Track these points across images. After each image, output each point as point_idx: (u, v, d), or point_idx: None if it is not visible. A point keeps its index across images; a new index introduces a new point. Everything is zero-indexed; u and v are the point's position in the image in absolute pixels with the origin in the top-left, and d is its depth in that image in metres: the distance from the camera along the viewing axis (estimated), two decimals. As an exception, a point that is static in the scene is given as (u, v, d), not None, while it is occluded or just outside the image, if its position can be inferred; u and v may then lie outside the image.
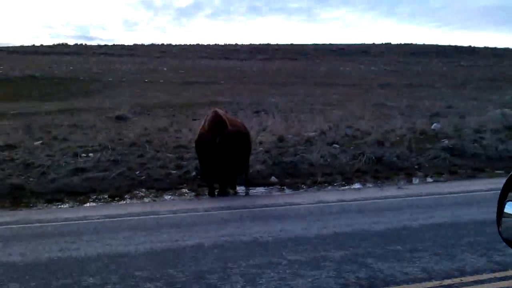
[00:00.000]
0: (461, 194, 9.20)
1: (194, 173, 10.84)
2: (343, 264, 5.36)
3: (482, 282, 4.77)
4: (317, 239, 6.36)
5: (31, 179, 10.38)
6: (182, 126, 15.99)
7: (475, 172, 11.71)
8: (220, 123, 9.53)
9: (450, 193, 9.40)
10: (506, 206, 1.56)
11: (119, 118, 18.38)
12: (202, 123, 9.91)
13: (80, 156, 11.97)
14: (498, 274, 4.90)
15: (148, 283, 4.92)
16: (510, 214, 1.54)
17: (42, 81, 31.45)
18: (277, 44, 68.33)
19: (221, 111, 10.10)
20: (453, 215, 7.47)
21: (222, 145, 9.21)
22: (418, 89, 31.20)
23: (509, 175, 1.63)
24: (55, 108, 21.10)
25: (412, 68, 45.37)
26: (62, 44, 65.66)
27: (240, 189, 10.36)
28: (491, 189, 9.41)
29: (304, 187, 10.63)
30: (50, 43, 66.23)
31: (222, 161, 9.32)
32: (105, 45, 65.29)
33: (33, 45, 63.02)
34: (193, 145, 10.41)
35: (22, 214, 8.43)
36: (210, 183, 9.89)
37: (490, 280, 4.76)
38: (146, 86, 30.54)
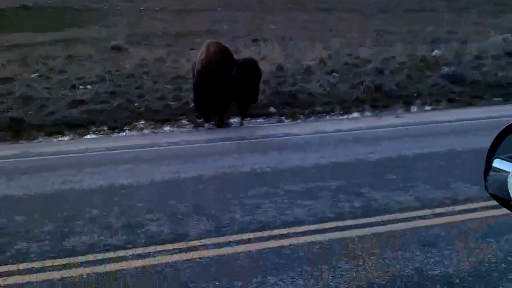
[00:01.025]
0: (458, 123, 9.27)
1: (192, 105, 10.85)
2: (338, 193, 5.51)
3: (473, 210, 4.92)
4: (314, 170, 6.50)
5: (30, 112, 10.39)
6: (180, 56, 15.76)
7: (474, 100, 11.70)
8: (227, 54, 9.62)
9: (447, 121, 9.46)
10: (494, 161, 1.60)
11: (115, 48, 18.04)
12: (202, 54, 9.71)
13: (78, 88, 11.92)
14: (490, 203, 5.01)
15: (149, 214, 5.08)
16: (497, 168, 1.58)
17: (35, 11, 30.65)
18: (276, -32, 65.87)
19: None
20: (449, 144, 7.56)
21: (239, 75, 9.29)
22: (420, 14, 30.43)
23: (498, 132, 1.66)
24: (50, 39, 20.64)
25: (415, -8, 44.01)
26: (54, -30, 63.26)
27: (238, 120, 10.40)
28: (488, 117, 9.47)
29: (303, 117, 10.66)
30: (42, -30, 63.77)
31: (237, 91, 9.45)
32: (98, -29, 62.93)
33: (24, -28, 60.72)
34: (191, 76, 10.34)
35: (23, 147, 8.53)
36: (207, 115, 9.91)
37: (481, 209, 4.90)
38: (142, 14, 29.79)
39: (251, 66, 9.52)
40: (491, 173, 1.61)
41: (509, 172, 1.51)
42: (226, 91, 9.43)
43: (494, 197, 1.62)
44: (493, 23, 23.86)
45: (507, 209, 1.59)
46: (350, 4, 36.13)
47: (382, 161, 6.80)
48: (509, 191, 1.51)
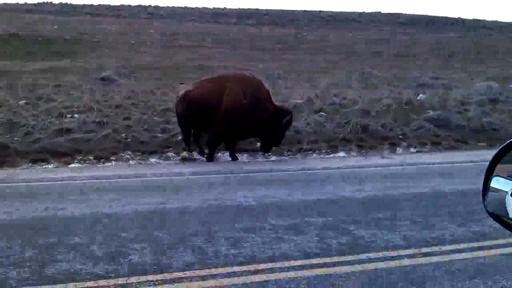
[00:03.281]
0: (443, 165, 9.38)
1: (180, 137, 10.83)
2: (325, 229, 5.48)
3: (460, 251, 4.91)
4: (300, 205, 6.47)
5: (15, 138, 10.29)
6: (169, 89, 15.86)
7: (458, 144, 11.91)
8: (270, 96, 9.99)
9: (433, 163, 9.58)
10: (492, 180, 1.61)
11: (105, 79, 18.15)
12: (247, 87, 9.71)
13: (65, 117, 11.87)
14: (476, 244, 5.06)
15: (134, 244, 4.98)
16: (495, 188, 1.59)
17: (26, 39, 30.78)
18: (266, 9, 67.41)
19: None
20: (434, 185, 7.62)
21: (287, 122, 9.81)
22: (406, 59, 31.21)
23: (497, 150, 1.68)
24: (39, 67, 20.74)
25: (401, 38, 45.21)
26: (47, 2, 63.93)
27: (225, 154, 10.38)
28: (472, 161, 9.60)
29: (290, 154, 10.72)
30: (34, 1, 64.42)
31: (269, 133, 9.80)
32: (91, 5, 63.68)
33: (17, 3, 61.25)
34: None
35: (7, 173, 8.40)
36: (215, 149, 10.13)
37: (468, 250, 4.91)
38: (133, 48, 30.09)
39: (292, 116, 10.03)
40: (490, 192, 1.61)
41: (507, 191, 1.52)
42: (261, 129, 9.76)
43: (492, 216, 1.62)
44: (477, 71, 24.54)
45: (506, 228, 1.59)
46: (337, 47, 36.94)
47: (368, 199, 6.81)
48: (508, 209, 1.51)
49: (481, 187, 1.68)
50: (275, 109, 9.77)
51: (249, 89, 9.62)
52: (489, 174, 1.66)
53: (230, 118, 9.46)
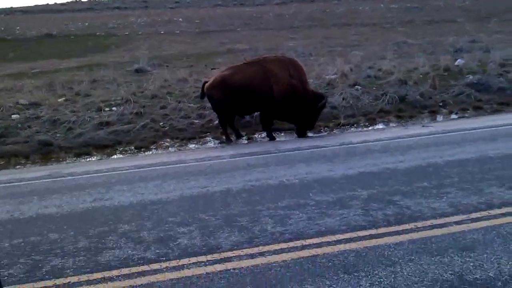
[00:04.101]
0: (486, 129, 9.11)
1: (216, 122, 10.88)
2: (370, 202, 5.44)
3: (510, 214, 4.80)
4: (343, 180, 6.43)
5: (58, 134, 10.60)
6: (201, 75, 15.92)
7: (500, 107, 11.57)
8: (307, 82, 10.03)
9: (475, 128, 9.31)
10: None
11: (138, 71, 18.37)
12: (290, 70, 9.64)
13: (104, 110, 12.11)
14: (527, 206, 4.93)
15: (181, 228, 5.08)
16: None
17: (59, 39, 31.50)
18: (292, -13, 66.56)
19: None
20: (479, 150, 7.44)
21: (321, 107, 9.76)
22: (440, 25, 30.32)
23: None
24: (74, 64, 21.17)
25: (434, 4, 43.91)
26: (76, 1, 65.12)
27: (262, 135, 10.38)
28: (517, 123, 9.31)
29: (327, 130, 10.64)
30: (64, 1, 65.70)
31: (304, 117, 9.80)
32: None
33: (47, 4, 62.63)
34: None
35: (53, 168, 8.66)
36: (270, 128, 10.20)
37: (519, 212, 4.80)
38: (163, 38, 30.32)
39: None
40: None
41: None
42: (300, 112, 9.72)
43: None
44: (515, 31, 23.59)
45: None
46: (368, 18, 36.21)
47: (412, 169, 6.70)
48: None
49: None
50: (312, 92, 9.76)
51: (294, 71, 9.60)
52: None
53: (287, 101, 9.56)
